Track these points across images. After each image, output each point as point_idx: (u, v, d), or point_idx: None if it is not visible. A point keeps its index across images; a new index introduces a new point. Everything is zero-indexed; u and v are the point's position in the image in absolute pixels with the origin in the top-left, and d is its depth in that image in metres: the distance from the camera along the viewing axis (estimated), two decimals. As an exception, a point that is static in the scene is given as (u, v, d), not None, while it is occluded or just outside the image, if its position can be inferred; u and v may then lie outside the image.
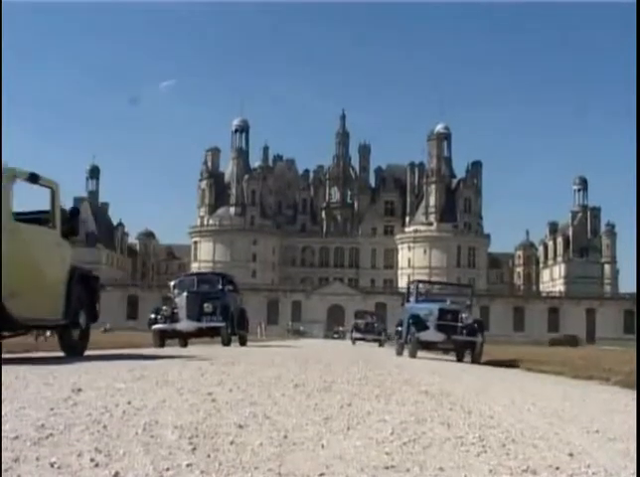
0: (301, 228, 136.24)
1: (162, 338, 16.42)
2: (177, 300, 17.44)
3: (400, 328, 17.15)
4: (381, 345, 35.30)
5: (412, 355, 14.91)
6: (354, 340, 37.14)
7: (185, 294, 17.07)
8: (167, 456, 2.32)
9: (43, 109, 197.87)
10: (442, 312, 15.26)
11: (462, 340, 14.92)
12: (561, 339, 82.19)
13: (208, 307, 16.55)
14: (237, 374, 6.14)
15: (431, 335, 14.87)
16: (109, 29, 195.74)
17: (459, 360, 15.66)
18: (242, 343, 18.72)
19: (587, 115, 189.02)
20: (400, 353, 16.59)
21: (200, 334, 17.11)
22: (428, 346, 15.60)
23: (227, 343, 16.62)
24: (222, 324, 16.47)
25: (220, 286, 18.01)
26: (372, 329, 38.24)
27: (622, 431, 3.40)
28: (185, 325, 16.50)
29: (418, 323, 14.98)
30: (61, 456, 2.24)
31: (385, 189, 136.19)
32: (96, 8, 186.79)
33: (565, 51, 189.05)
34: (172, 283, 19.46)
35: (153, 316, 16.91)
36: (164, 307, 17.37)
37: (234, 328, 17.41)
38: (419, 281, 18.83)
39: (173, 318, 16.65)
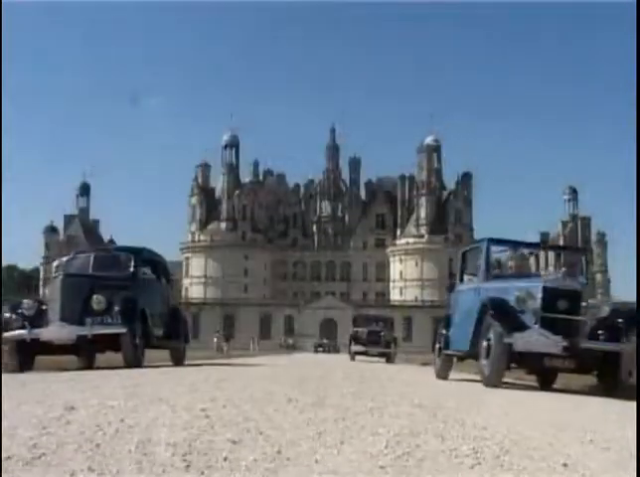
0: (292, 242, 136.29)
1: (22, 353, 10.08)
2: (47, 290, 12.09)
3: (444, 332, 10.66)
4: (389, 360, 27.32)
5: (495, 381, 8.28)
6: (353, 355, 28.00)
7: (60, 278, 10.66)
8: (161, 474, 2.31)
9: (32, 126, 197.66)
10: (552, 295, 8.22)
11: (598, 350, 8.06)
12: None
13: (99, 302, 10.27)
14: (230, 390, 6.12)
15: (536, 339, 7.99)
16: (99, 46, 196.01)
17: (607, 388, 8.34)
18: (177, 360, 12.68)
19: (578, 124, 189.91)
20: (443, 375, 10.61)
21: (83, 347, 10.45)
22: (526, 361, 8.35)
23: (131, 361, 10.25)
24: (121, 330, 10.11)
25: (131, 269, 11.47)
26: (377, 339, 28.48)
27: (616, 441, 3.40)
28: (55, 331, 10.13)
29: (506, 317, 8.17)
30: (53, 476, 2.22)
31: (375, 202, 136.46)
32: (84, 25, 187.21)
33: (556, 61, 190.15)
34: (54, 265, 12.38)
35: (8, 315, 10.38)
36: (25, 301, 10.65)
37: (149, 336, 11.01)
38: (492, 240, 10.04)
39: (37, 320, 10.26)
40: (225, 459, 2.56)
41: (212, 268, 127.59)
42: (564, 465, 2.64)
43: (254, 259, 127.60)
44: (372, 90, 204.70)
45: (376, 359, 27.75)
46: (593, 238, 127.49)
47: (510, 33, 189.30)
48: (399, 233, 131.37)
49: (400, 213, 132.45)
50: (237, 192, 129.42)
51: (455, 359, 10.56)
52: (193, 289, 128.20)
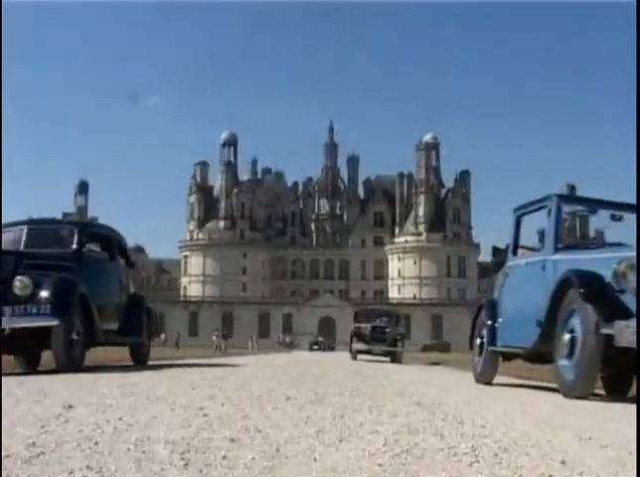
0: (291, 240, 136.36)
1: None
2: None
3: (490, 322, 8.29)
4: (395, 360, 24.50)
5: (583, 388, 6.14)
6: (355, 354, 25.08)
7: None
8: (159, 472, 2.31)
9: (31, 125, 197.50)
10: None
11: None
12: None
13: (23, 286, 8.14)
14: (228, 388, 6.13)
15: None
16: (97, 45, 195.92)
17: None
18: (140, 358, 11.02)
19: (577, 123, 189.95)
20: (487, 379, 8.48)
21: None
22: (627, 361, 5.86)
23: (64, 362, 8.18)
24: (51, 322, 8.04)
25: (74, 245, 9.34)
26: (382, 336, 25.28)
27: (614, 438, 3.40)
28: None
29: (602, 298, 5.96)
30: (52, 475, 2.22)
31: (374, 200, 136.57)
32: (84, 23, 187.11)
33: (555, 59, 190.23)
34: None
35: None
36: None
37: (95, 331, 8.86)
38: (563, 197, 7.81)
39: None
40: (223, 457, 2.56)
41: (210, 267, 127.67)
42: (563, 462, 2.64)
43: (253, 258, 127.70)
44: (370, 89, 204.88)
45: (374, 358, 25.36)
46: (592, 234, 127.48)
47: (510, 33, 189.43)
48: (397, 231, 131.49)
49: (398, 211, 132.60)
50: (235, 190, 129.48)
51: (500, 358, 8.40)
52: (191, 287, 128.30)
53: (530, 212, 8.10)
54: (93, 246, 10.28)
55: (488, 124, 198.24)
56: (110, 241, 10.62)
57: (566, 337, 6.21)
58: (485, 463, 2.61)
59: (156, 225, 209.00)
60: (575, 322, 6.13)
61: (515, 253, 8.24)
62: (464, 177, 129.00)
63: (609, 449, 3.06)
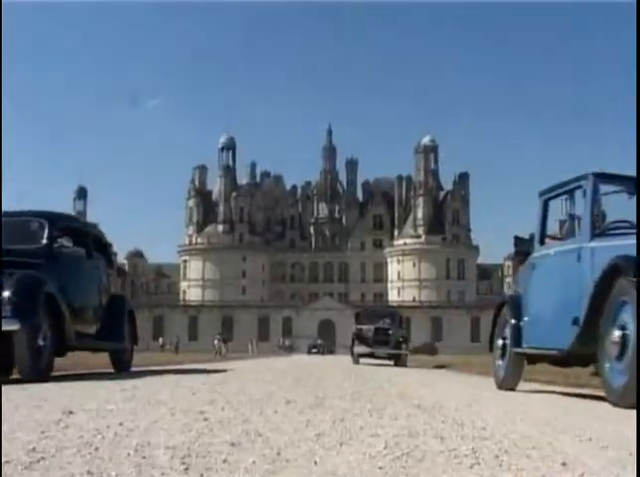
0: (290, 243, 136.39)
1: None
2: None
3: (514, 321, 7.43)
4: (398, 363, 23.13)
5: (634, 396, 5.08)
6: (357, 357, 23.44)
7: None
8: (159, 477, 2.31)
9: (29, 129, 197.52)
10: None
11: None
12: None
13: None
14: (229, 392, 6.13)
15: None
16: (97, 47, 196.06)
17: None
18: (122, 365, 10.21)
19: (576, 124, 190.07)
20: (511, 384, 7.64)
21: None
22: None
23: (28, 370, 7.34)
24: (12, 326, 7.14)
25: (44, 240, 8.49)
26: (385, 338, 23.66)
27: (615, 439, 3.40)
28: None
29: None
30: (52, 480, 2.22)
31: (373, 203, 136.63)
32: (84, 23, 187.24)
33: (555, 59, 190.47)
34: None
35: None
36: None
37: (66, 336, 7.88)
38: (600, 176, 6.69)
39: None
40: (224, 461, 2.56)
41: (210, 271, 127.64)
42: (563, 464, 2.64)
43: (252, 261, 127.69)
44: (368, 91, 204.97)
45: (376, 362, 23.93)
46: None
47: (509, 33, 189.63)
48: (396, 233, 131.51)
49: (397, 213, 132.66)
50: (234, 194, 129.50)
51: (525, 361, 7.52)
52: (191, 292, 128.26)
53: (559, 194, 7.21)
54: (67, 242, 8.98)
55: (487, 125, 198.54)
56: (87, 237, 9.58)
57: (616, 335, 5.34)
58: (486, 465, 2.61)
59: (155, 229, 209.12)
60: (627, 317, 5.26)
61: (542, 243, 7.36)
62: (463, 179, 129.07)
63: (610, 450, 3.06)
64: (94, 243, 9.77)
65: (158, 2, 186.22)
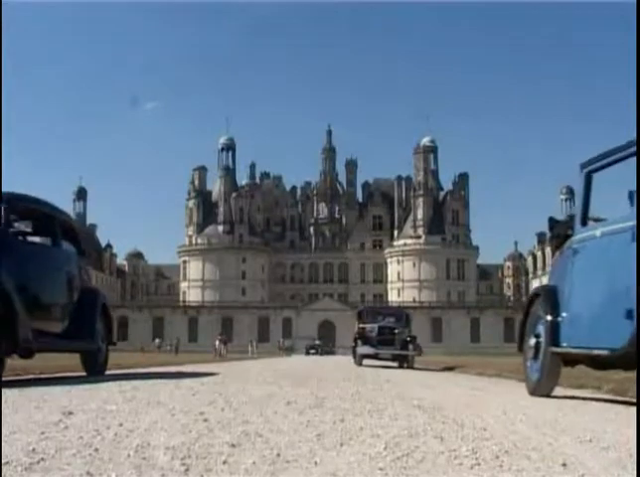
0: (290, 244, 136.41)
1: None
2: None
3: (550, 317, 6.41)
4: (402, 364, 21.43)
5: None
6: (360, 359, 21.62)
7: None
8: (159, 478, 2.31)
9: (28, 131, 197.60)
10: None
11: None
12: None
13: None
14: (229, 393, 6.13)
15: None
16: (97, 51, 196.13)
17: None
18: (95, 367, 9.09)
19: (576, 124, 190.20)
20: (546, 389, 6.61)
21: None
22: None
23: None
24: None
25: None
26: (390, 338, 21.81)
27: (615, 440, 3.40)
28: None
29: None
30: (52, 481, 2.22)
31: (372, 203, 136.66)
32: (83, 29, 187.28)
33: (553, 62, 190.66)
34: None
35: None
36: None
37: (18, 336, 6.79)
38: None
39: None
40: (224, 462, 2.56)
41: (209, 272, 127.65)
42: (564, 465, 2.64)
43: (252, 262, 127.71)
44: (368, 92, 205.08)
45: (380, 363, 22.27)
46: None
47: (509, 33, 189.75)
48: (396, 234, 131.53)
49: (397, 214, 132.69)
50: (233, 195, 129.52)
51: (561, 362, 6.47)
52: (191, 293, 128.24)
53: (607, 165, 6.21)
54: (27, 228, 8.14)
55: (487, 126, 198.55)
56: (54, 223, 8.32)
57: None
58: (486, 466, 2.60)
59: (155, 230, 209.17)
60: None
61: (585, 223, 6.28)
62: (462, 179, 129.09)
63: (610, 451, 3.05)
64: (63, 231, 8.54)
65: (158, 4, 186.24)
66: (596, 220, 6.16)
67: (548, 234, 7.26)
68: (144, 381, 8.07)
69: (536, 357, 6.62)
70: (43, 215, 8.17)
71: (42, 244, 8.20)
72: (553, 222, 7.10)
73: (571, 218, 6.63)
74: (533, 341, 6.70)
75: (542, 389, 6.55)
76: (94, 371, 9.00)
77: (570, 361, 6.39)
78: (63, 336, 8.13)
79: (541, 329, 6.53)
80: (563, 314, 6.24)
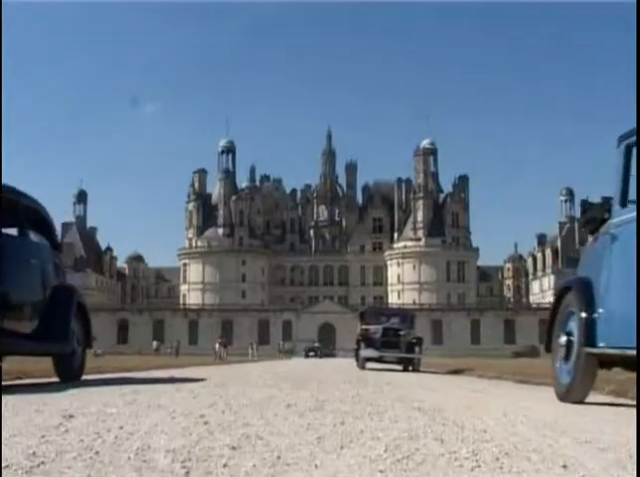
0: (290, 247, 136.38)
1: None
2: None
3: (585, 314, 5.60)
4: (407, 367, 20.46)
5: None
6: (363, 362, 20.65)
7: None
8: (160, 480, 2.31)
9: (28, 131, 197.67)
10: None
11: None
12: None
13: None
14: (229, 395, 6.12)
15: None
16: (97, 52, 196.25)
17: None
18: (69, 372, 8.17)
19: (575, 125, 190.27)
20: (580, 394, 5.93)
21: None
22: None
23: None
24: None
25: None
26: (395, 340, 20.78)
27: (614, 441, 3.40)
28: None
29: None
30: (53, 484, 2.22)
31: (372, 206, 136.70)
32: (83, 30, 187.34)
33: (553, 62, 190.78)
34: None
35: None
36: None
37: None
38: None
39: None
40: (224, 465, 2.56)
41: (209, 274, 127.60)
42: (564, 467, 2.64)
43: (252, 265, 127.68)
44: (368, 95, 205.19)
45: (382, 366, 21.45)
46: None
47: (509, 33, 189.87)
48: (396, 236, 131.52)
49: (397, 216, 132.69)
50: (233, 197, 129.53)
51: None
52: (191, 295, 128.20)
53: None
54: None
55: (487, 127, 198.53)
56: (21, 212, 7.41)
57: None
58: (486, 468, 2.61)
59: (155, 233, 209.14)
60: None
61: (624, 205, 5.47)
62: (462, 181, 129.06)
63: (610, 452, 3.05)
64: (33, 221, 7.73)
65: (158, 4, 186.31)
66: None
67: (579, 219, 6.22)
68: (145, 384, 8.07)
69: (567, 358, 5.94)
70: (7, 201, 7.09)
71: (7, 236, 7.17)
72: (586, 204, 6.26)
73: (608, 200, 5.80)
74: (564, 339, 6.02)
75: (574, 394, 5.87)
76: (69, 376, 8.10)
77: (607, 362, 5.69)
78: (32, 337, 7.27)
79: (573, 326, 5.86)
80: (600, 310, 5.51)
